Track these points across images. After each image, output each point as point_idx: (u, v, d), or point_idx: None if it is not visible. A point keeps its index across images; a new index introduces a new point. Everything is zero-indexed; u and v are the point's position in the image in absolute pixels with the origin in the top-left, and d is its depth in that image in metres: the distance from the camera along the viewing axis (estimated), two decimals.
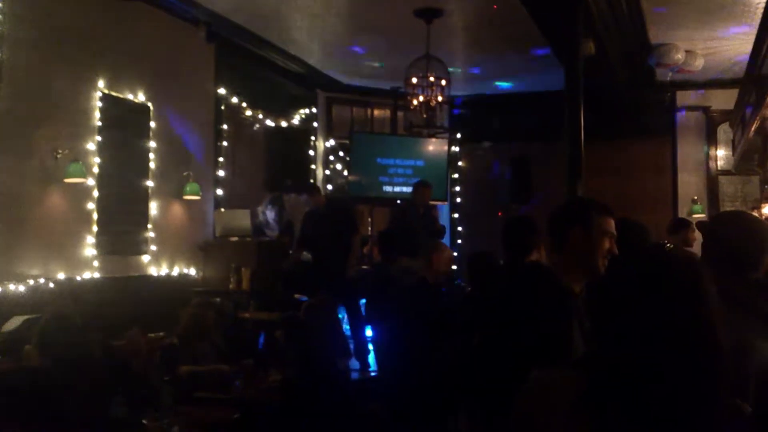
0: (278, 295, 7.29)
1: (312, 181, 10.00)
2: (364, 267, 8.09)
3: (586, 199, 2.78)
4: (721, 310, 1.59)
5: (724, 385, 1.52)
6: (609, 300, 1.71)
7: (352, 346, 6.94)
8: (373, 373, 6.52)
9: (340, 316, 7.19)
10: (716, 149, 10.16)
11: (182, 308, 5.51)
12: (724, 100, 9.60)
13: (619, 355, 1.55)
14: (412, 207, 7.92)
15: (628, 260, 1.79)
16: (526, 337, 2.56)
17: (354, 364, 6.82)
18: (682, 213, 9.79)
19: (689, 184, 10.15)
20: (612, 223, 2.66)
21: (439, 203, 10.81)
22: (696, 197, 9.95)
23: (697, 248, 4.38)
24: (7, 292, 5.22)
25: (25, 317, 4.65)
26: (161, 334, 6.00)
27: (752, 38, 7.09)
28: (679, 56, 8.24)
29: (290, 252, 8.22)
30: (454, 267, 10.79)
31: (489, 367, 3.02)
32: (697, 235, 6.33)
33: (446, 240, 11.08)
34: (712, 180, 10.13)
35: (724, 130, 10.06)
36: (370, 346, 6.87)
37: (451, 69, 7.93)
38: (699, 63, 8.49)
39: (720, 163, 10.15)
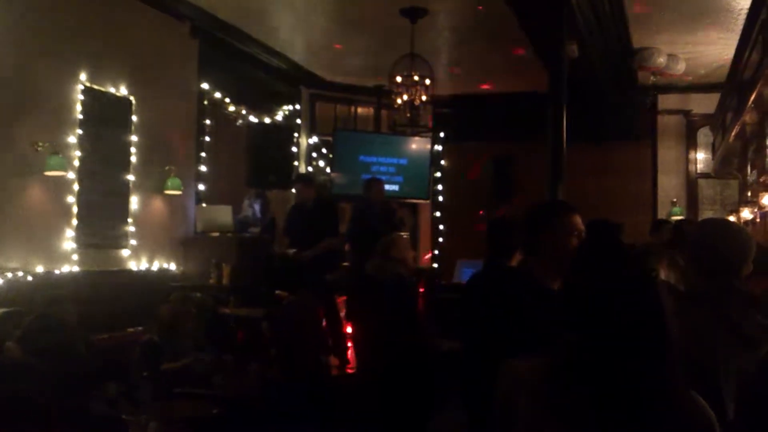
0: (259, 290, 7.27)
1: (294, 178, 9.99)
2: (345, 264, 8.07)
3: (552, 202, 2.87)
4: (671, 300, 1.67)
5: (676, 371, 1.61)
6: (568, 292, 1.78)
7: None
8: (351, 370, 6.53)
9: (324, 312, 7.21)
10: (696, 152, 10.28)
11: (162, 304, 5.49)
12: (704, 104, 9.71)
13: (575, 341, 1.64)
14: (368, 205, 7.90)
15: (585, 255, 1.87)
16: (507, 333, 2.62)
17: (332, 360, 6.84)
18: (662, 215, 9.89)
19: (669, 187, 10.26)
20: (578, 220, 2.74)
21: (420, 201, 10.86)
22: (675, 199, 10.05)
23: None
24: None
25: (3, 310, 4.60)
26: (140, 328, 5.97)
27: (734, 44, 7.17)
28: (662, 60, 8.33)
29: (275, 248, 8.17)
30: (435, 265, 10.93)
31: (475, 363, 3.06)
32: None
33: (428, 238, 11.15)
34: (691, 183, 10.24)
35: (704, 134, 10.18)
36: (350, 344, 6.87)
37: (436, 67, 7.95)
38: (681, 67, 8.58)
39: (699, 167, 10.27)
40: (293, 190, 9.87)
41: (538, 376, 1.69)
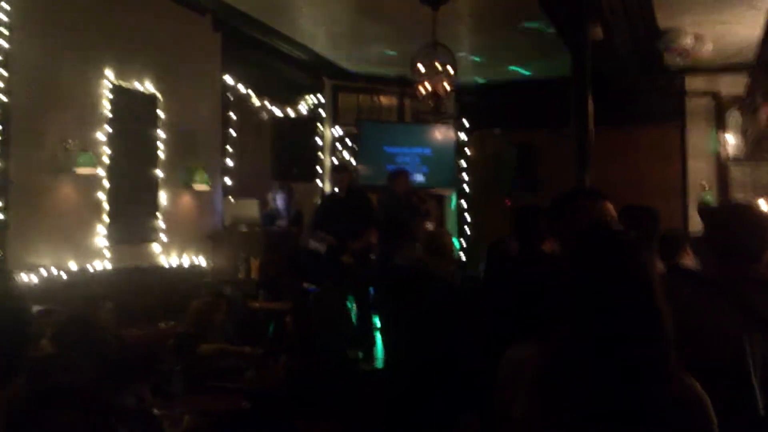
0: (287, 284, 7.30)
1: (319, 170, 10.02)
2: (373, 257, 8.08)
3: (579, 188, 2.83)
4: (661, 284, 1.69)
5: (668, 353, 1.63)
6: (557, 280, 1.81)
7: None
8: (379, 364, 6.53)
9: (348, 305, 7.22)
10: (725, 135, 10.10)
11: (194, 299, 5.54)
12: (733, 85, 9.54)
13: (569, 327, 1.67)
14: (394, 196, 7.88)
15: (572, 241, 1.89)
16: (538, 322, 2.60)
17: (362, 354, 6.84)
18: (692, 200, 9.76)
19: (699, 171, 10.09)
20: (607, 206, 2.68)
21: (447, 191, 10.83)
22: (705, 183, 9.90)
23: None
24: (19, 283, 5.25)
25: (38, 308, 4.68)
26: (172, 323, 6.05)
27: (762, 22, 7.03)
28: (688, 40, 8.19)
29: (300, 239, 8.20)
30: (462, 256, 10.91)
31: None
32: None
33: (453, 227, 11.11)
34: (721, 167, 10.06)
35: (733, 116, 9.99)
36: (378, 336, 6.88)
37: (459, 55, 7.89)
38: (708, 47, 8.42)
39: (730, 150, 10.08)
40: (318, 182, 9.93)
41: (536, 364, 1.72)
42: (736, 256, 2.34)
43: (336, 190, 7.99)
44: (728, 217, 2.52)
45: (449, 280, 4.76)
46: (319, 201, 9.65)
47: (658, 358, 1.62)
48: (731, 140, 10.04)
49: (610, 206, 2.69)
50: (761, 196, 8.73)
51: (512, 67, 10.21)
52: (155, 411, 3.99)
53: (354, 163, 10.13)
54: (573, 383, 1.64)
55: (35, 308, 4.59)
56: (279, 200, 8.59)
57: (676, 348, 1.94)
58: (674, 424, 1.61)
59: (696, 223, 6.87)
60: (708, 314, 2.26)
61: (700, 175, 10.02)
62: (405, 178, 7.96)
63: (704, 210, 2.57)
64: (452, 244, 5.06)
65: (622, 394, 1.60)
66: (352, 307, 7.21)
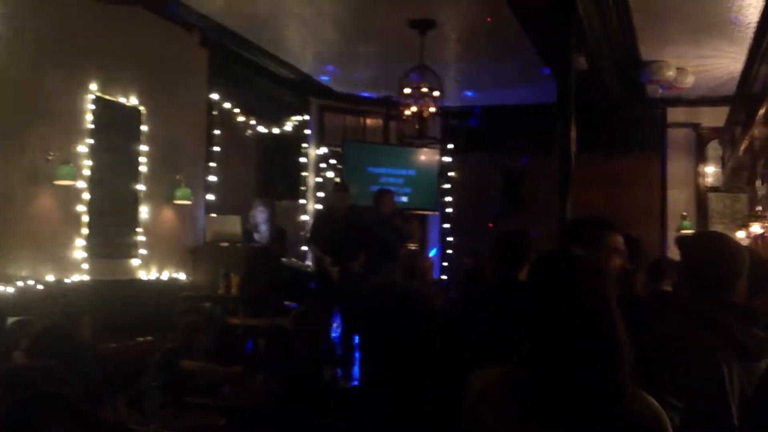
0: (267, 301, 7.27)
1: (303, 188, 10.02)
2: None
3: (594, 217, 2.85)
4: (616, 308, 1.76)
5: (623, 370, 1.70)
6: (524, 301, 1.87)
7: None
8: (355, 383, 6.51)
9: (334, 324, 7.20)
10: (705, 166, 10.24)
11: (182, 315, 5.48)
12: (714, 117, 9.68)
13: (529, 349, 1.75)
14: (378, 216, 7.88)
15: (534, 267, 1.96)
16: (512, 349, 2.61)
17: (341, 372, 6.81)
18: (671, 228, 9.87)
19: (678, 200, 10.22)
20: (619, 239, 2.71)
21: (429, 213, 10.86)
22: (685, 213, 10.01)
23: None
24: None
25: (14, 319, 4.63)
26: (149, 338, 5.99)
27: (743, 57, 7.16)
28: (671, 73, 8.32)
29: (282, 259, 8.18)
30: (444, 277, 10.92)
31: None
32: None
33: (437, 250, 11.14)
34: (701, 196, 10.20)
35: (713, 147, 10.15)
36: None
37: (446, 78, 7.96)
38: (690, 80, 8.57)
39: (709, 180, 10.22)
40: (301, 200, 9.93)
41: (498, 386, 1.79)
42: (708, 284, 2.38)
43: (332, 207, 7.98)
44: (701, 246, 2.56)
45: (427, 301, 4.75)
46: (307, 218, 9.67)
47: (612, 378, 1.69)
48: (711, 171, 10.18)
49: (620, 238, 2.76)
50: (739, 226, 8.83)
51: (498, 92, 10.32)
52: (132, 426, 3.95)
53: (338, 182, 10.15)
54: (532, 403, 1.71)
55: (11, 319, 4.54)
56: (259, 216, 8.58)
57: (647, 369, 2.00)
58: None
59: (675, 252, 6.95)
60: (686, 337, 2.30)
61: (679, 205, 10.14)
62: (390, 199, 7.99)
63: (680, 239, 2.62)
64: (429, 266, 5.08)
65: (578, 413, 1.67)
66: (336, 325, 7.20)
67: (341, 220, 7.65)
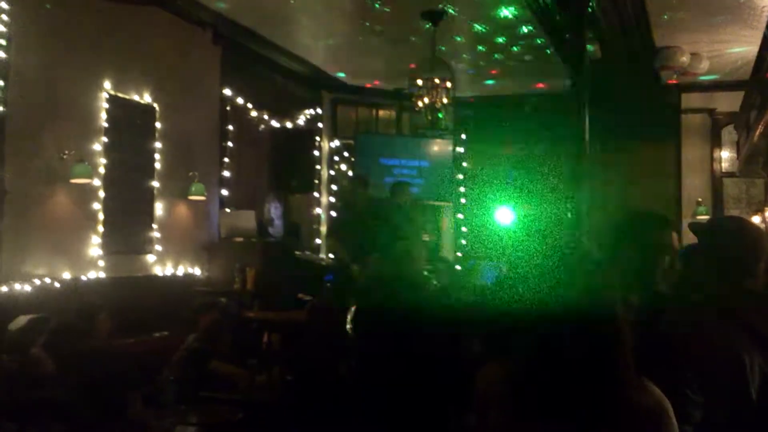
0: (282, 295, 7.30)
1: (317, 182, 10.03)
2: None
3: (642, 214, 2.78)
4: (619, 302, 1.77)
5: (626, 359, 1.71)
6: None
7: None
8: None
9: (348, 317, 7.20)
10: (721, 151, 10.16)
11: (200, 312, 5.51)
12: (728, 102, 9.59)
13: (530, 341, 1.77)
14: (395, 209, 7.87)
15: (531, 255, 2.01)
16: None
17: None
18: (687, 215, 9.79)
19: (693, 187, 10.14)
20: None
21: (442, 204, 10.85)
22: (700, 199, 9.93)
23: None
24: (13, 292, 5.25)
25: (31, 316, 4.68)
26: (165, 333, 6.04)
27: (758, 41, 7.09)
28: (684, 59, 8.25)
29: (296, 253, 8.18)
30: (458, 267, 10.91)
31: None
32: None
33: (449, 240, 11.13)
34: (716, 182, 10.12)
35: (728, 132, 10.05)
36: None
37: (458, 69, 7.93)
38: (704, 65, 8.49)
39: (724, 165, 10.13)
40: (315, 194, 9.94)
41: (505, 380, 1.80)
42: (729, 272, 2.33)
43: (351, 202, 7.96)
44: (720, 232, 2.49)
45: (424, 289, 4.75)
46: (320, 211, 9.68)
47: (612, 367, 1.70)
48: (726, 156, 10.10)
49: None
50: (755, 211, 8.76)
51: (510, 82, 10.27)
52: (148, 420, 3.99)
53: (351, 174, 10.15)
54: (536, 395, 1.72)
55: (28, 316, 4.59)
56: (273, 211, 8.60)
57: (666, 362, 1.97)
58: (635, 428, 1.68)
59: (691, 239, 6.89)
60: (706, 328, 2.25)
61: (694, 191, 10.07)
62: (407, 190, 7.99)
63: (696, 225, 2.56)
64: (420, 254, 5.01)
65: (580, 403, 1.68)
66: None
67: (361, 214, 7.63)
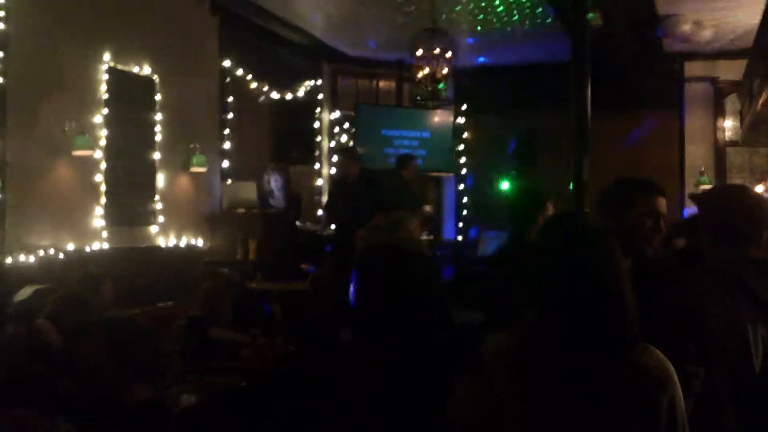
0: (284, 265, 7.34)
1: (317, 153, 10.03)
2: None
3: (626, 180, 2.80)
4: (623, 270, 1.78)
5: (630, 330, 1.73)
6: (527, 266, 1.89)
7: None
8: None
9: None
10: (724, 120, 10.12)
11: (203, 281, 5.54)
12: (732, 70, 9.53)
13: (531, 317, 1.78)
14: (399, 182, 7.89)
15: (540, 231, 1.99)
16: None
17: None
18: (690, 184, 9.79)
19: (696, 156, 10.12)
20: (657, 201, 2.65)
21: (444, 175, 10.85)
22: (703, 169, 9.92)
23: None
24: (17, 263, 5.28)
25: (36, 287, 4.72)
26: (170, 303, 6.09)
27: (761, 8, 7.02)
28: (687, 27, 8.19)
29: (297, 223, 8.23)
30: (460, 237, 10.96)
31: None
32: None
33: (451, 212, 11.16)
34: (719, 151, 10.09)
35: (731, 101, 10.00)
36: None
37: (458, 39, 7.89)
38: (707, 33, 8.44)
39: (727, 134, 10.10)
40: (316, 165, 9.94)
41: (508, 351, 1.82)
42: (732, 240, 2.31)
43: (341, 175, 7.95)
44: (723, 200, 2.46)
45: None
46: (321, 182, 9.70)
47: (619, 334, 1.72)
48: (729, 125, 10.06)
49: (662, 201, 2.67)
50: (758, 180, 8.75)
51: (511, 51, 10.21)
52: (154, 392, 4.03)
53: (346, 149, 10.13)
54: (543, 362, 1.74)
55: (33, 287, 4.63)
56: (273, 182, 8.62)
57: (668, 333, 1.98)
58: (639, 393, 1.69)
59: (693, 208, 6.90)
60: (709, 297, 2.24)
61: (697, 160, 10.06)
62: (414, 165, 8.03)
63: (697, 195, 2.54)
64: (417, 228, 5.00)
65: (587, 372, 1.70)
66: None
67: (354, 186, 7.63)
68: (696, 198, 2.60)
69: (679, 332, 2.16)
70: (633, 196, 2.66)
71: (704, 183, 9.60)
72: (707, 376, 2.12)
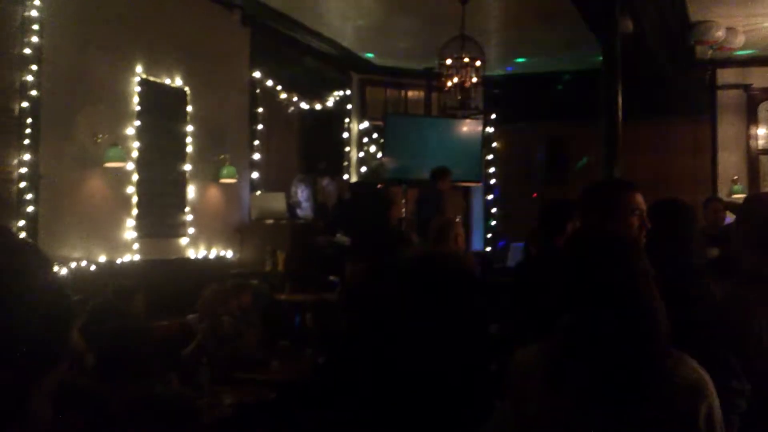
0: (312, 276, 7.34)
1: (346, 163, 10.05)
2: None
3: (611, 180, 2.81)
4: (651, 280, 1.76)
5: (661, 338, 1.71)
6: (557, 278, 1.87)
7: None
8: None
9: None
10: (757, 128, 9.95)
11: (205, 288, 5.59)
12: (765, 77, 9.40)
13: (569, 322, 1.76)
14: (434, 193, 7.93)
15: (569, 241, 1.99)
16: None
17: None
18: (723, 193, 9.63)
19: (729, 164, 9.96)
20: (639, 198, 2.64)
21: (472, 185, 10.79)
22: (736, 177, 9.76)
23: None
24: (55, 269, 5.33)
25: None
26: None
27: None
28: (720, 33, 8.07)
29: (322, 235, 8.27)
30: (488, 248, 10.88)
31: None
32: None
33: (479, 223, 11.11)
34: (752, 159, 9.93)
35: (765, 108, 9.86)
36: None
37: (488, 48, 7.86)
38: (740, 40, 8.30)
39: (761, 142, 9.94)
40: (345, 176, 9.94)
41: (540, 363, 1.79)
42: None
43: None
44: (760, 208, 2.41)
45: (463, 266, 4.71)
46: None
47: (649, 346, 1.69)
48: (762, 133, 9.89)
49: (640, 198, 2.67)
50: None
51: (541, 60, 10.15)
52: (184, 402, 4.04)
53: (380, 155, 10.14)
54: (576, 374, 1.71)
55: None
56: (300, 192, 8.66)
57: (709, 348, 1.93)
58: (675, 403, 1.66)
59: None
60: (752, 309, 2.17)
61: (730, 168, 9.90)
62: (450, 177, 8.08)
63: (732, 204, 2.46)
64: (461, 233, 4.97)
65: (618, 383, 1.68)
66: None
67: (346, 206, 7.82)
68: (730, 207, 2.56)
69: (720, 345, 2.09)
70: (618, 196, 2.64)
71: (738, 191, 9.44)
72: (753, 395, 2.05)
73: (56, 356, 1.47)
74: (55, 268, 5.34)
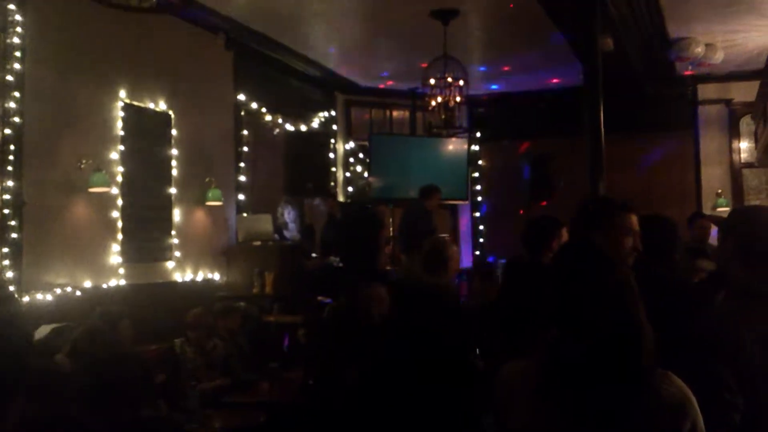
0: (301, 297, 7.32)
1: (332, 184, 10.06)
2: (389, 268, 8.11)
3: (604, 199, 2.84)
4: (637, 296, 1.76)
5: (648, 354, 1.71)
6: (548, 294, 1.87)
7: None
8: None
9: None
10: (739, 142, 10.07)
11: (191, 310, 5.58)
12: (746, 91, 9.51)
13: (555, 338, 1.76)
14: (422, 211, 7.96)
15: (556, 257, 1.99)
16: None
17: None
18: (707, 207, 9.71)
19: (713, 178, 10.06)
20: (633, 219, 2.68)
21: (459, 203, 10.83)
22: (720, 190, 9.85)
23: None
24: (34, 302, 5.29)
25: (53, 326, 4.71)
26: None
27: None
28: (699, 50, 8.18)
29: (312, 255, 8.27)
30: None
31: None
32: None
33: (467, 240, 11.13)
34: (735, 173, 10.03)
35: (746, 123, 9.96)
36: None
37: (470, 67, 7.93)
38: (719, 56, 8.42)
39: (743, 156, 10.05)
40: (334, 199, 9.94)
41: (527, 377, 1.79)
42: (761, 262, 2.24)
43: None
44: (747, 222, 2.39)
45: (448, 293, 4.70)
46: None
47: (635, 362, 1.70)
48: (745, 147, 10.00)
49: (635, 219, 2.72)
50: None
51: (524, 78, 10.23)
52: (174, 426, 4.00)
53: (366, 175, 10.16)
54: (561, 390, 1.72)
55: (50, 326, 4.63)
56: (287, 214, 8.66)
57: (702, 362, 1.98)
58: (660, 420, 1.67)
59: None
60: (744, 323, 2.14)
61: (714, 182, 9.99)
62: (438, 196, 8.12)
63: (716, 218, 2.48)
64: (456, 254, 4.97)
65: (603, 398, 1.69)
66: None
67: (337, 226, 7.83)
68: (714, 221, 2.59)
69: (713, 359, 2.07)
70: (614, 216, 2.66)
71: (721, 205, 9.52)
72: (745, 409, 2.05)
73: (12, 389, 1.45)
74: (39, 294, 5.29)
